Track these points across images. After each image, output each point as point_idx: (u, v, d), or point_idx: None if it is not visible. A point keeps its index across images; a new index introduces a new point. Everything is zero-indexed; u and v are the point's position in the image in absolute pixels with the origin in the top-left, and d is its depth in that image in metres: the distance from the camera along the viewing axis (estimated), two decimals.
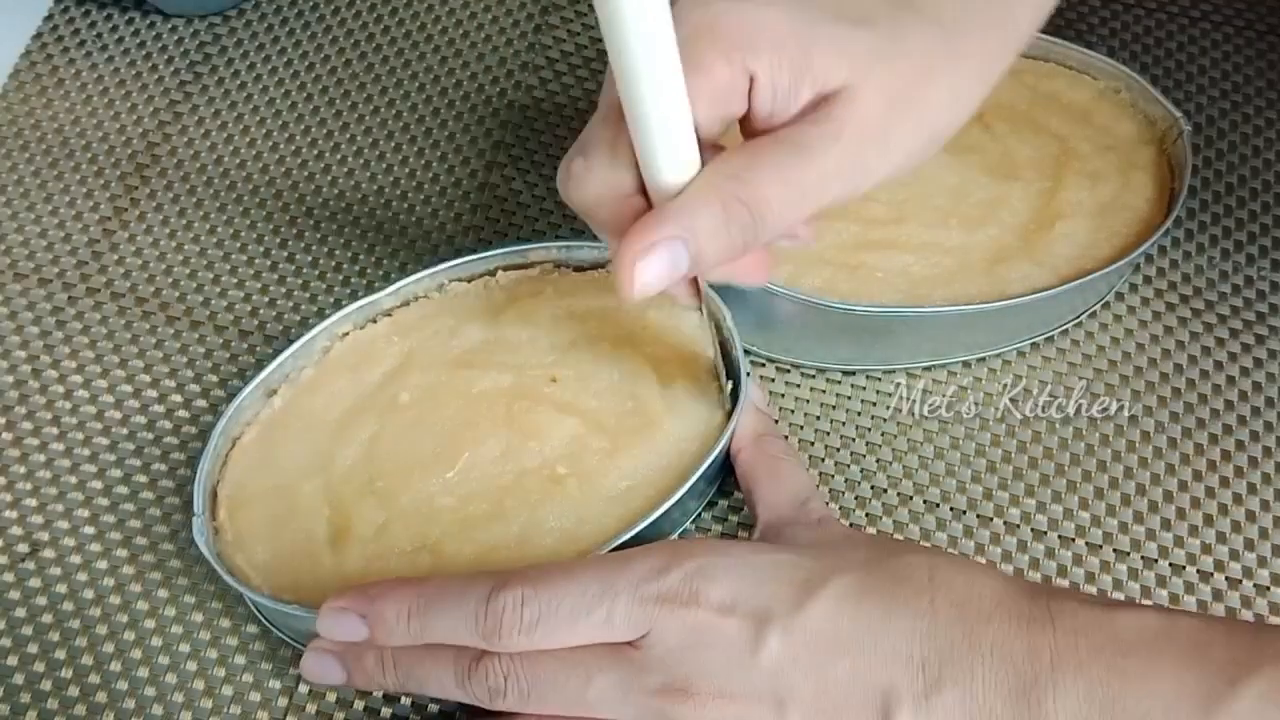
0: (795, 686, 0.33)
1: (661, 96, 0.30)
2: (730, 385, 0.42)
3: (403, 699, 0.40)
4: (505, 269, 0.44)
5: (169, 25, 0.55)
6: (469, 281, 0.44)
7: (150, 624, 0.41)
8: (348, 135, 0.52)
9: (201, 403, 0.45)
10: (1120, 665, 0.32)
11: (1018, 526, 0.43)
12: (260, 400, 0.42)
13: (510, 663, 0.34)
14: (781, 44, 0.32)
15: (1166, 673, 0.32)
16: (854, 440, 0.45)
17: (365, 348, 0.43)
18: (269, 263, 0.49)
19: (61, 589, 0.41)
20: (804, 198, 0.33)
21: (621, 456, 0.40)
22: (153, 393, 0.45)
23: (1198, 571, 0.42)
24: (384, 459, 0.41)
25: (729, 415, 0.41)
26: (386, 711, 0.39)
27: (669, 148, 0.32)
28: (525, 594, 0.33)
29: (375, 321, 0.44)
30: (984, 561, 0.38)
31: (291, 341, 0.43)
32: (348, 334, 0.43)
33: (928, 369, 0.46)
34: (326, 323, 0.43)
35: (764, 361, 0.46)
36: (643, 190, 0.33)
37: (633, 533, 0.38)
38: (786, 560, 0.35)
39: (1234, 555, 0.43)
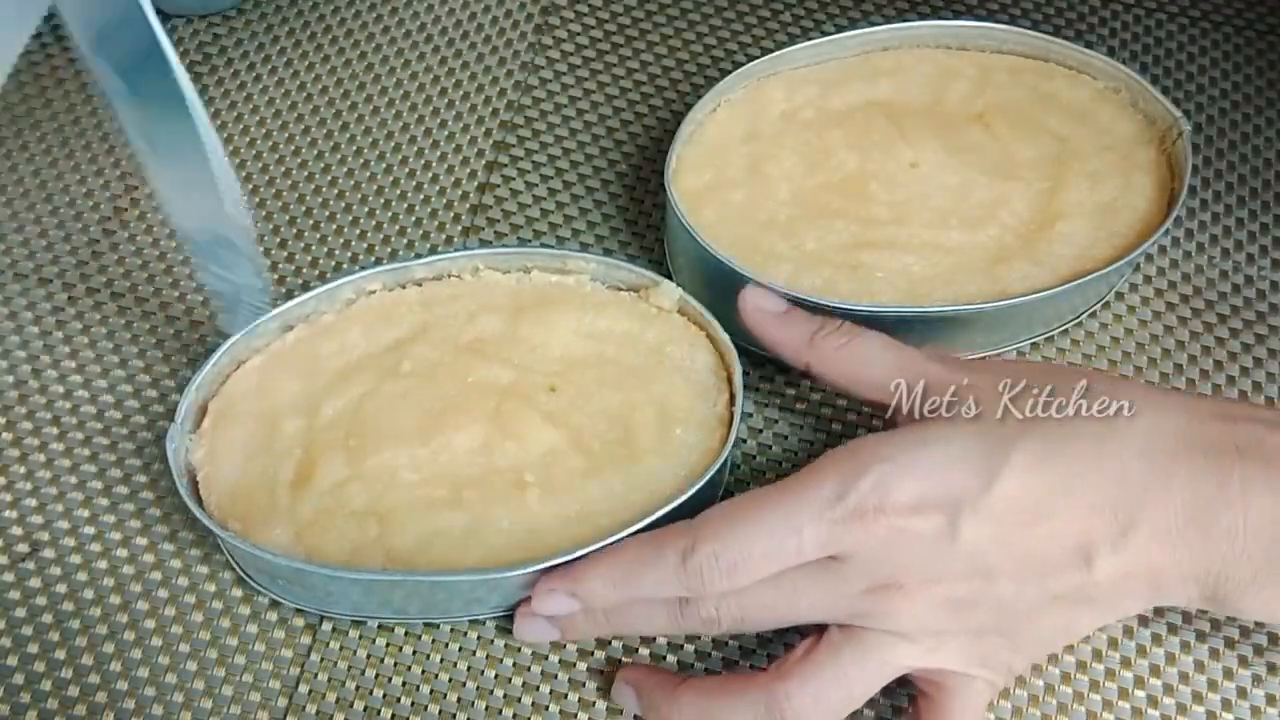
0: (998, 558, 0.34)
1: None
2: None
3: (403, 699, 0.40)
4: (541, 269, 0.44)
5: (169, 25, 0.55)
6: (504, 273, 0.44)
7: (150, 624, 0.41)
8: (348, 135, 0.52)
9: None
10: None
11: None
12: (275, 332, 0.43)
13: (720, 598, 0.36)
14: None
15: None
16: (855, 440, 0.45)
17: (387, 309, 0.44)
18: (267, 262, 0.49)
19: (61, 589, 0.41)
20: None
21: (593, 481, 0.40)
22: (153, 393, 0.45)
23: None
24: (366, 419, 0.41)
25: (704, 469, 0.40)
26: (386, 713, 0.39)
27: None
28: (717, 550, 0.35)
29: (404, 287, 0.44)
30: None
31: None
32: (374, 292, 0.44)
33: None
34: (356, 275, 0.43)
35: (764, 361, 0.46)
36: None
37: (576, 555, 0.37)
38: (958, 442, 0.35)
39: None
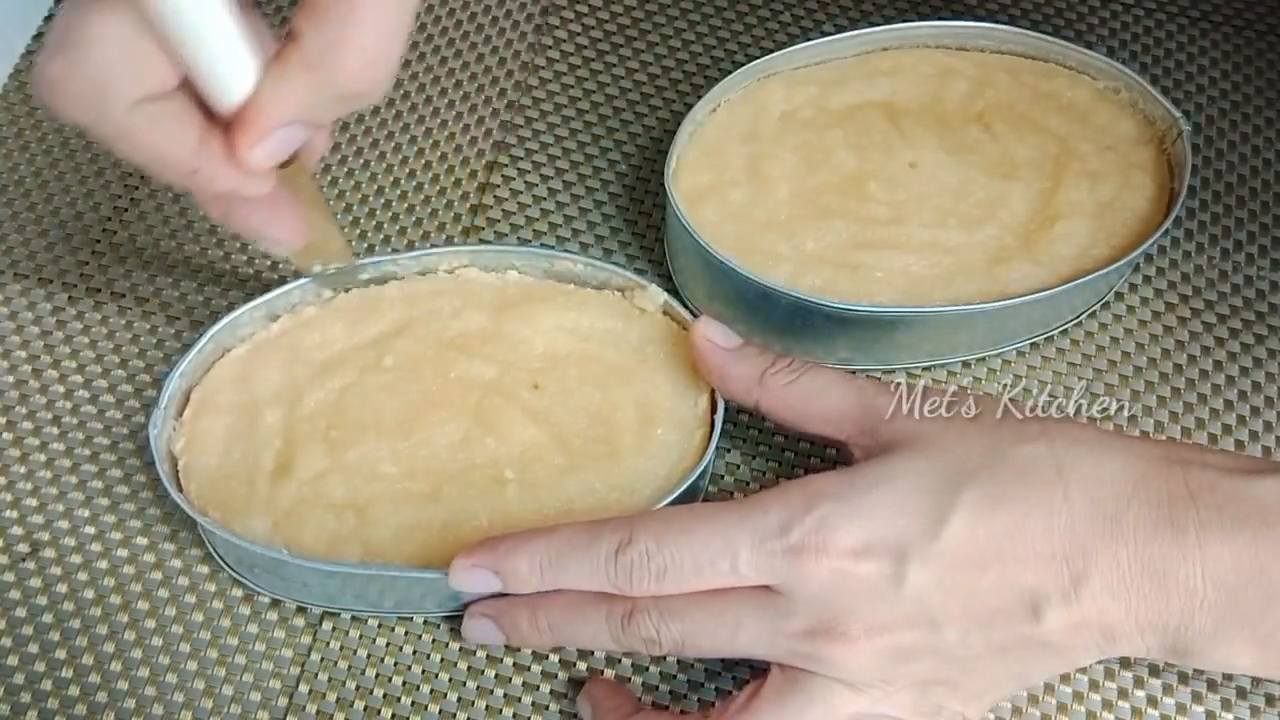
0: (944, 605, 0.34)
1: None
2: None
3: (404, 699, 0.40)
4: (527, 268, 0.45)
5: None
6: (489, 271, 0.45)
7: (150, 624, 0.41)
8: (348, 135, 0.52)
9: None
10: (1266, 534, 0.33)
11: None
12: (261, 321, 0.43)
13: (661, 617, 0.35)
14: None
15: None
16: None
17: (370, 303, 0.44)
18: (269, 262, 0.49)
19: (61, 589, 0.41)
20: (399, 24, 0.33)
21: (572, 478, 0.40)
22: (153, 393, 0.45)
23: None
24: (347, 411, 0.41)
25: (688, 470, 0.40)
26: (386, 712, 0.39)
27: (232, 60, 0.31)
28: (649, 549, 0.34)
29: (388, 281, 0.44)
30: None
31: None
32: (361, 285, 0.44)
33: (928, 369, 0.46)
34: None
35: None
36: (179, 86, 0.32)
37: None
38: (907, 486, 0.34)
39: None
